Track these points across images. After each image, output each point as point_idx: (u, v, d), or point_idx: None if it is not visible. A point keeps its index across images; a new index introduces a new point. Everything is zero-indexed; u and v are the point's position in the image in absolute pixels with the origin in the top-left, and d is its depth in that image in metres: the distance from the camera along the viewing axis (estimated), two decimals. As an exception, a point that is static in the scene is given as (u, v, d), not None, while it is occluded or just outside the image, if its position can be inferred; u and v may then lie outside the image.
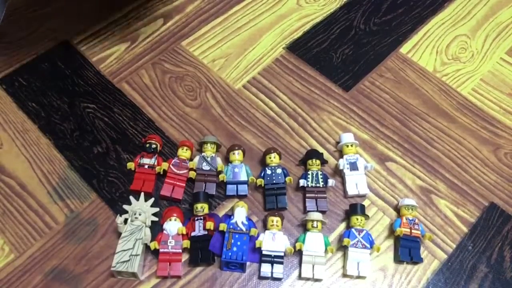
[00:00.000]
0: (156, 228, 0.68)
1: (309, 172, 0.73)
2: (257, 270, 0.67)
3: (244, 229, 0.67)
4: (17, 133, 0.80)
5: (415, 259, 0.67)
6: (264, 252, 0.66)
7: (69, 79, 0.86)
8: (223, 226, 0.67)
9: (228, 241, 0.66)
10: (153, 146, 0.75)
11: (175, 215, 0.68)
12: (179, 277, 0.66)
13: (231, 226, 0.67)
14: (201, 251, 0.66)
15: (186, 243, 0.66)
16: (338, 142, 0.78)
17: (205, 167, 0.73)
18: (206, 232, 0.67)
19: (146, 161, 0.74)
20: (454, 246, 0.70)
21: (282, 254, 0.66)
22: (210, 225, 0.66)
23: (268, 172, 0.73)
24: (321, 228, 0.69)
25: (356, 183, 0.73)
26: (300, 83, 0.86)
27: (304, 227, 0.70)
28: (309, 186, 0.72)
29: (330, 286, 0.66)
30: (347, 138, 0.77)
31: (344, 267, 0.67)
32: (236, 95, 0.85)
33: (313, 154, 0.75)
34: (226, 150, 0.76)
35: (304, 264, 0.66)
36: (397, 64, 0.89)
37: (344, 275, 0.67)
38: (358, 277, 0.67)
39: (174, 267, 0.66)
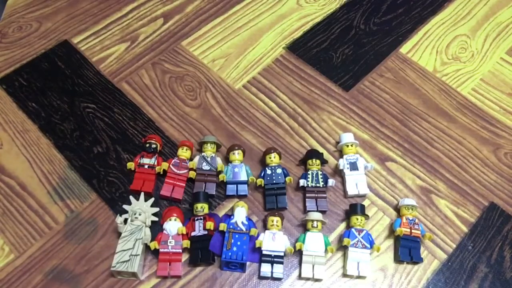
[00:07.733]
0: (156, 228, 0.68)
1: (309, 172, 0.73)
2: (257, 270, 0.67)
3: (244, 229, 0.67)
4: (17, 133, 0.80)
5: (415, 259, 0.67)
6: (264, 252, 0.66)
7: (69, 79, 0.86)
8: (223, 226, 0.67)
9: (228, 241, 0.66)
10: (153, 146, 0.75)
11: (175, 215, 0.68)
12: (179, 277, 0.66)
13: (231, 226, 0.67)
14: (201, 251, 0.66)
15: (186, 243, 0.66)
16: (338, 142, 0.78)
17: (205, 167, 0.73)
18: (206, 232, 0.67)
19: (146, 161, 0.74)
20: (454, 246, 0.70)
21: (282, 254, 0.66)
22: (210, 225, 0.66)
23: (268, 172, 0.72)
24: (321, 228, 0.69)
25: (356, 183, 0.73)
26: (300, 83, 0.86)
27: (304, 227, 0.70)
28: (309, 186, 0.72)
29: (330, 286, 0.66)
30: (347, 138, 0.77)
31: (344, 267, 0.67)
32: (236, 95, 0.85)
33: (313, 154, 0.75)
34: (226, 150, 0.76)
35: (304, 264, 0.66)
36: (397, 64, 0.89)
37: (344, 275, 0.67)
38: (358, 277, 0.67)
39: (174, 267, 0.66)
